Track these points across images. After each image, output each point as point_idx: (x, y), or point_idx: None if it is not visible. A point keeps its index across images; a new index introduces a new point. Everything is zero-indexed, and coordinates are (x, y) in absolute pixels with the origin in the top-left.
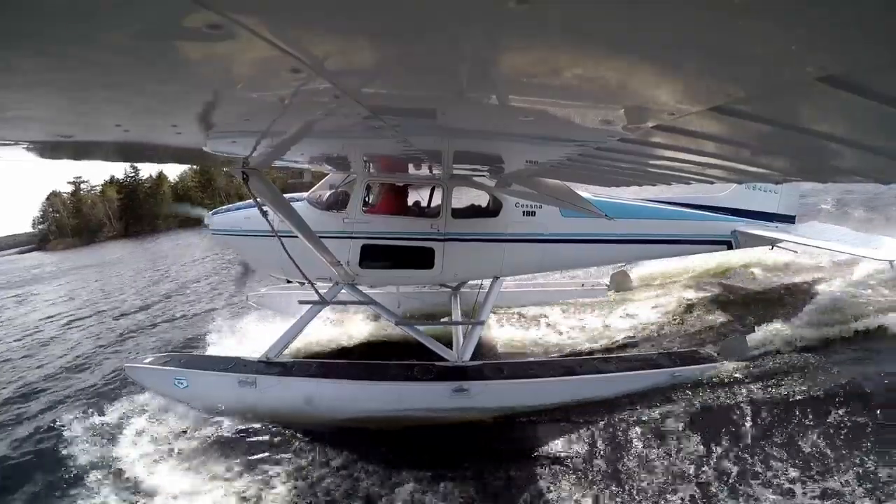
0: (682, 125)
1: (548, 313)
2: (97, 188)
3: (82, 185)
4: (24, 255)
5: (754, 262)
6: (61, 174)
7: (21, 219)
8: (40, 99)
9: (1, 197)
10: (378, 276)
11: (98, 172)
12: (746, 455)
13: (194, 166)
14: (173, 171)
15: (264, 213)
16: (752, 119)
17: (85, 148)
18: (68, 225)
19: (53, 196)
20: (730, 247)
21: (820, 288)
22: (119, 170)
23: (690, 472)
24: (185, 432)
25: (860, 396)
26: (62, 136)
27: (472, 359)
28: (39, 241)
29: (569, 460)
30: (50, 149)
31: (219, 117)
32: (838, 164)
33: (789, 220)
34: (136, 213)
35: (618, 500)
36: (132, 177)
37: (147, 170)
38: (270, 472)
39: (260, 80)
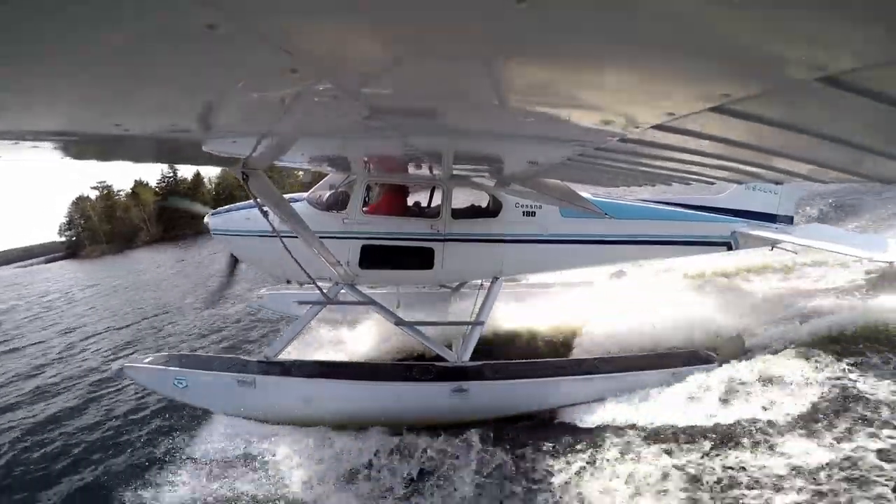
0: (682, 125)
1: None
2: (122, 192)
3: (108, 189)
4: (50, 265)
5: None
6: (81, 180)
7: (42, 227)
8: (35, 101)
9: (18, 206)
10: (378, 277)
11: (121, 176)
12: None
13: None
14: (212, 172)
15: (265, 214)
16: (752, 119)
17: (88, 148)
18: (101, 230)
19: (81, 201)
20: (729, 248)
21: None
22: (143, 171)
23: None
24: None
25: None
26: (62, 136)
27: (471, 358)
28: (68, 248)
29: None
30: (63, 149)
31: (218, 117)
32: (839, 163)
33: (788, 220)
34: (174, 216)
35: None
36: (170, 177)
37: (184, 171)
38: None
39: (259, 80)
